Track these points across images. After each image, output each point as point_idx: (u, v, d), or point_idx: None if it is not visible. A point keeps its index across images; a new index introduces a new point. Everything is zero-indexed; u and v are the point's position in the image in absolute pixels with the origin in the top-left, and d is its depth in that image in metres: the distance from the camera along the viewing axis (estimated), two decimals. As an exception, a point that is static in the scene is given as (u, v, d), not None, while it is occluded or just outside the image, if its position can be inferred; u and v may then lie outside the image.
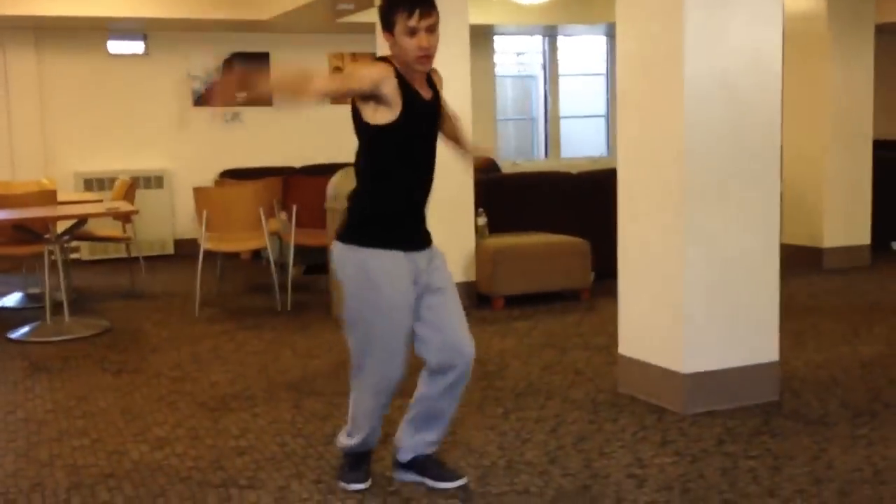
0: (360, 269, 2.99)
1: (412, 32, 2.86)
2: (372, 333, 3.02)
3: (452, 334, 3.07)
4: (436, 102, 3.06)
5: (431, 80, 3.08)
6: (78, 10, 8.41)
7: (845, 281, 7.00)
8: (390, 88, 2.89)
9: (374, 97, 2.90)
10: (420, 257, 3.04)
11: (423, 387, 3.14)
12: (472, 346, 3.09)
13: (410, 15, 2.85)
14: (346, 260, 3.02)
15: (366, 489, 3.20)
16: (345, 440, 3.25)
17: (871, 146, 7.72)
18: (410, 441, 3.21)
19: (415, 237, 3.06)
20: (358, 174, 3.05)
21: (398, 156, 2.98)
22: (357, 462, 3.25)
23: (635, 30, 4.12)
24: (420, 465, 3.22)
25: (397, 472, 3.27)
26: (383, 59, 2.98)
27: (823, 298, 6.38)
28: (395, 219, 3.01)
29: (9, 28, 8.98)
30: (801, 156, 7.63)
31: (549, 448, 3.56)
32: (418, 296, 3.03)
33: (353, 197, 3.07)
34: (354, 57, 10.44)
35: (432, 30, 2.90)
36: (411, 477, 3.23)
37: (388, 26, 2.91)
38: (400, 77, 2.93)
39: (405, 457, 3.23)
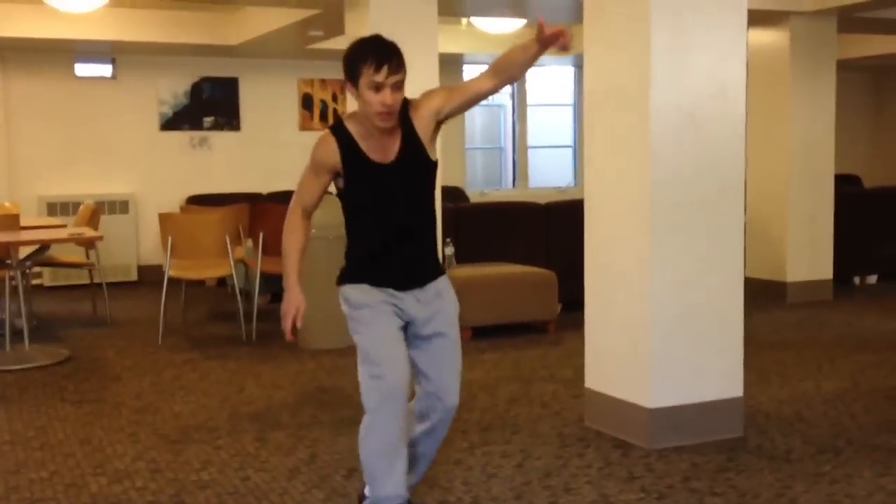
0: (344, 302, 3.02)
1: (377, 88, 2.77)
2: (366, 342, 2.95)
3: (438, 381, 3.02)
4: (405, 158, 2.93)
5: (408, 122, 2.93)
6: (45, 31, 8.34)
7: (808, 315, 7.07)
8: (331, 164, 2.93)
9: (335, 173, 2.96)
10: (404, 295, 2.99)
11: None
12: (455, 396, 3.04)
13: (378, 70, 2.76)
14: (340, 299, 3.05)
15: None
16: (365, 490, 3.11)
17: (833, 181, 7.84)
18: None
19: (396, 278, 2.99)
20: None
21: (361, 215, 2.99)
22: None
23: (602, 62, 4.17)
24: None
25: None
26: (335, 124, 2.96)
27: (787, 333, 6.44)
28: (372, 264, 3.00)
29: (-26, 49, 8.89)
30: (765, 190, 7.73)
31: (514, 483, 3.55)
32: (413, 333, 3.01)
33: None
34: (324, 83, 10.45)
35: (398, 87, 2.80)
36: None
37: (352, 77, 2.82)
38: (346, 145, 2.90)
39: None
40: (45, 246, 6.18)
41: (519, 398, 4.78)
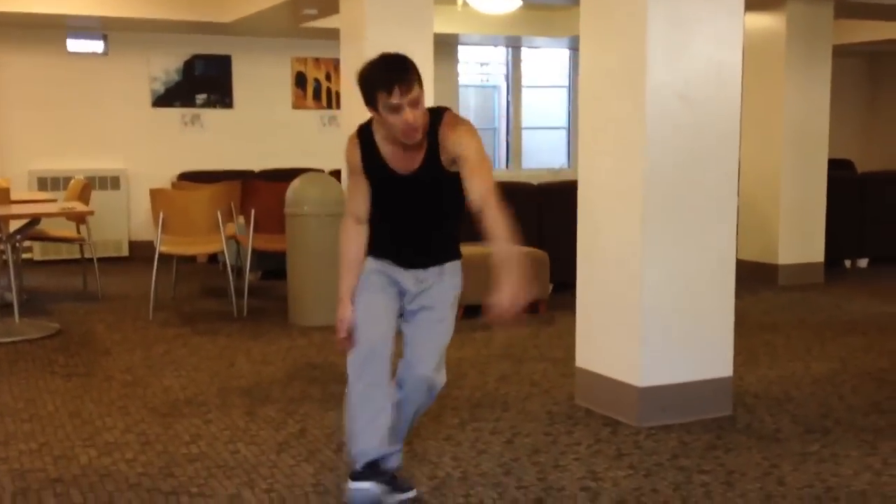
0: None
1: (395, 109, 2.79)
2: (356, 308, 3.04)
3: (413, 351, 3.06)
4: (423, 170, 2.94)
5: (434, 137, 2.92)
6: (37, 6, 8.27)
7: (799, 297, 7.09)
8: (357, 164, 3.00)
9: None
10: (405, 272, 3.06)
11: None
12: (426, 368, 3.05)
13: (390, 94, 2.77)
14: None
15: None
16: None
17: (827, 165, 7.85)
18: None
19: (399, 258, 3.05)
20: None
21: (378, 206, 3.05)
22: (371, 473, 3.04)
23: (599, 44, 4.15)
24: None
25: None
26: (363, 127, 3.01)
27: (777, 315, 6.46)
28: (381, 241, 3.08)
29: (-36, 22, 8.81)
30: (758, 173, 7.74)
31: (504, 460, 3.56)
32: (404, 307, 3.07)
33: None
34: (317, 62, 10.40)
35: (415, 103, 2.80)
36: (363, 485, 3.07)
37: (371, 103, 2.85)
38: (368, 150, 2.97)
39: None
40: (35, 220, 6.16)
41: (509, 376, 4.79)
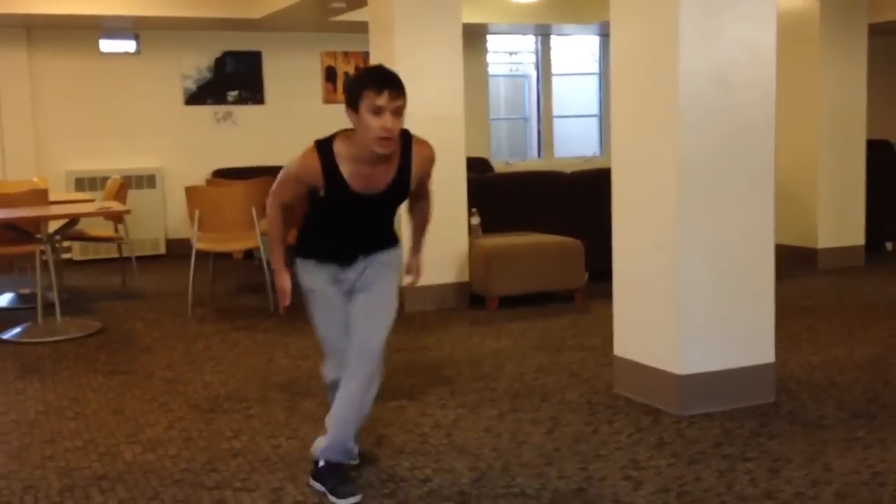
0: (299, 275, 3.22)
1: (377, 111, 2.85)
2: (319, 329, 3.24)
3: (354, 329, 3.15)
4: (390, 190, 3.05)
5: (407, 154, 3.05)
6: (70, 8, 8.36)
7: (840, 281, 7.00)
8: (311, 180, 3.01)
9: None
10: (349, 270, 3.17)
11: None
12: (365, 344, 3.11)
13: (379, 94, 2.84)
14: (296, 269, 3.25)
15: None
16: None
17: (865, 146, 7.73)
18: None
19: (341, 258, 3.16)
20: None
21: (328, 217, 3.13)
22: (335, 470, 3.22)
23: (630, 29, 4.11)
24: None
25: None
26: (323, 144, 3.00)
27: (818, 299, 6.38)
28: (323, 247, 3.17)
29: (1, 26, 8.92)
30: (795, 156, 7.64)
31: (545, 450, 3.54)
32: (349, 291, 3.19)
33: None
34: (347, 56, 10.42)
35: (398, 113, 2.88)
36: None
37: (353, 103, 2.89)
38: (329, 172, 2.97)
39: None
40: (74, 220, 6.23)
41: (547, 367, 4.78)
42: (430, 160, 3.14)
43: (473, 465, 3.40)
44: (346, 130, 3.01)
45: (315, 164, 2.98)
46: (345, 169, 2.97)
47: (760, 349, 4.06)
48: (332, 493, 3.12)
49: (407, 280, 3.38)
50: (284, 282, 3.20)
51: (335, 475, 3.18)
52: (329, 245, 3.17)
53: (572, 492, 3.14)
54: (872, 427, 3.71)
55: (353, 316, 3.15)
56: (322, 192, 3.03)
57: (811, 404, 4.03)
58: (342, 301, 3.18)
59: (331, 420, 3.23)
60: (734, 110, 3.92)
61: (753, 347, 4.05)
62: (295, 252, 3.22)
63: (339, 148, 2.98)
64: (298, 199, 3.12)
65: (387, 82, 2.87)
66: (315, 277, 3.17)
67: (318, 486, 3.21)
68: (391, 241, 3.25)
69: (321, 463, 3.23)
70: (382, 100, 2.84)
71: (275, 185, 3.15)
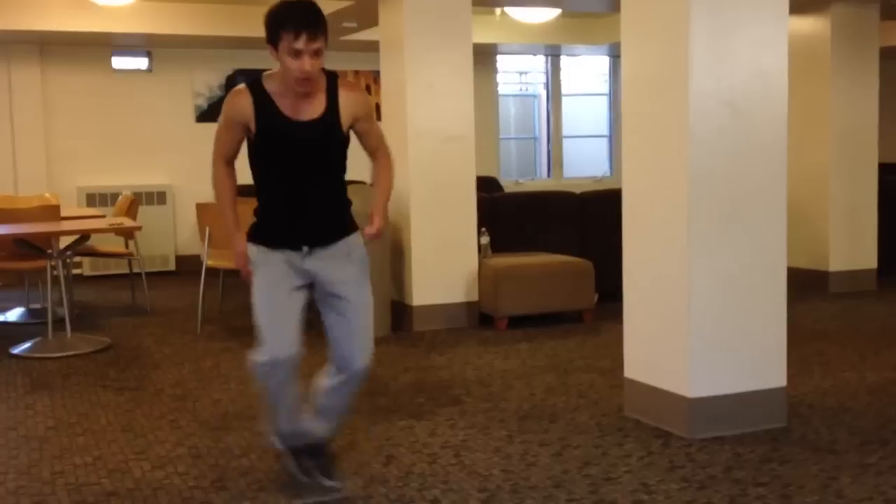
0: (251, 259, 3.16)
1: (296, 54, 2.86)
2: (257, 308, 3.14)
3: (344, 347, 3.18)
4: (322, 120, 3.02)
5: (334, 94, 3.04)
6: (82, 25, 8.43)
7: (851, 305, 6.97)
8: (243, 116, 3.01)
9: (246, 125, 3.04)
10: (306, 257, 3.10)
11: (323, 377, 3.29)
12: (362, 360, 3.17)
13: (297, 37, 2.83)
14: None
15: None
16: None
17: (877, 169, 7.72)
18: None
19: (297, 238, 3.10)
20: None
21: (268, 171, 3.10)
22: (297, 460, 3.29)
23: (640, 49, 4.12)
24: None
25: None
26: (252, 81, 3.03)
27: (829, 323, 6.35)
28: (275, 223, 3.12)
29: (13, 42, 9.00)
30: (807, 179, 7.63)
31: (553, 472, 3.53)
32: (320, 290, 3.16)
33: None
34: (357, 75, 10.46)
35: (318, 54, 2.88)
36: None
37: (272, 40, 2.91)
38: (261, 101, 2.99)
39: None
40: (85, 236, 6.25)
41: (556, 388, 4.76)
42: (359, 100, 3.12)
43: (482, 486, 3.39)
44: (271, 72, 3.04)
45: (245, 97, 3.00)
46: (278, 101, 3.00)
47: (772, 373, 4.04)
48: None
49: (367, 231, 3.16)
50: (241, 244, 3.13)
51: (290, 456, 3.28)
52: (276, 215, 3.09)
53: (582, 515, 3.12)
54: (885, 453, 3.68)
55: (342, 329, 3.15)
56: (255, 130, 3.01)
57: (823, 429, 4.01)
58: (293, 286, 3.09)
59: (307, 412, 3.25)
60: (745, 132, 3.92)
61: (764, 371, 4.03)
62: (248, 239, 3.15)
63: (268, 84, 3.02)
64: (237, 149, 3.12)
65: (304, 24, 2.84)
66: (266, 256, 3.10)
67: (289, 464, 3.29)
68: (346, 222, 3.17)
69: (282, 447, 3.31)
70: (300, 43, 2.84)
71: (214, 145, 3.15)
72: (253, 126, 3.01)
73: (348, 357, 3.17)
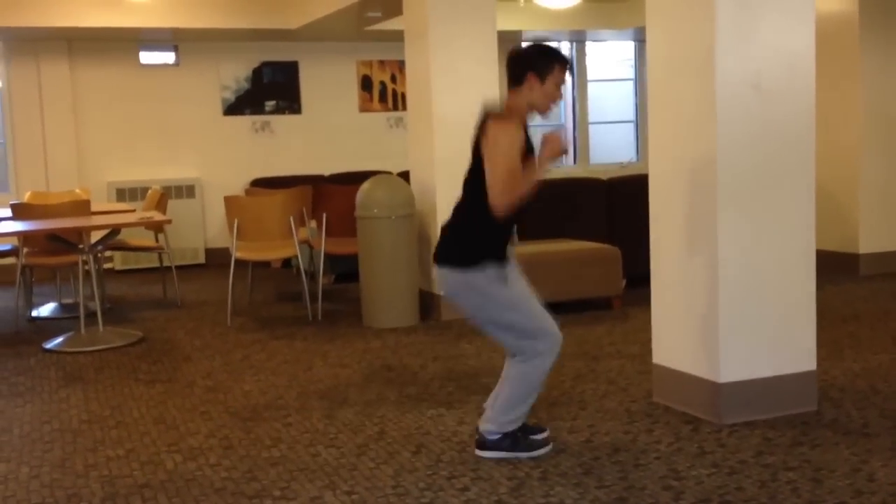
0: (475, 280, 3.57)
1: (559, 86, 3.43)
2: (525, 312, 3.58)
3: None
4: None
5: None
6: (110, 20, 8.50)
7: (882, 287, 6.89)
8: (522, 143, 3.40)
9: None
10: (505, 266, 3.56)
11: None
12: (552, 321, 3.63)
13: (564, 71, 3.43)
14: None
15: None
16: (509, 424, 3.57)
17: (908, 149, 7.61)
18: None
19: (504, 248, 3.57)
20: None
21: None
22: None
23: (666, 32, 4.09)
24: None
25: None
26: (511, 112, 3.43)
27: (860, 306, 6.29)
28: (498, 242, 3.54)
29: (43, 39, 9.09)
30: (836, 160, 7.54)
31: (583, 459, 3.53)
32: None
33: None
34: (383, 64, 10.47)
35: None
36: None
37: (542, 73, 3.39)
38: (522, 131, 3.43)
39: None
40: (115, 230, 6.31)
41: (585, 375, 4.76)
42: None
43: (512, 474, 3.40)
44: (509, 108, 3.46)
45: (521, 127, 3.42)
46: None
47: (802, 357, 4.01)
48: (530, 449, 3.55)
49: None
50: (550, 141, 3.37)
51: (515, 438, 3.55)
52: (501, 235, 3.47)
53: (612, 501, 3.12)
54: (918, 436, 3.65)
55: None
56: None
57: (854, 412, 3.97)
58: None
59: (526, 391, 3.55)
60: (773, 114, 3.88)
61: (794, 355, 4.00)
62: (468, 262, 3.44)
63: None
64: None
65: (568, 62, 3.47)
66: (502, 270, 3.49)
67: (499, 454, 3.54)
68: None
69: (497, 436, 3.55)
70: (566, 77, 3.45)
71: (505, 176, 3.28)
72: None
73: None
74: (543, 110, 3.44)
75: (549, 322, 3.51)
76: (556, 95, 3.42)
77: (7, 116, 9.31)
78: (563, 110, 11.89)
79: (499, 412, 3.55)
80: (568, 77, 3.50)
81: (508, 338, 3.52)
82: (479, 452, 3.58)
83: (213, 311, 6.93)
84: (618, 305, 6.41)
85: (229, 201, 6.59)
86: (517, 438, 3.56)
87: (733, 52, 3.79)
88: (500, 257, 3.47)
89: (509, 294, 3.48)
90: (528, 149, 3.40)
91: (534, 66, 3.38)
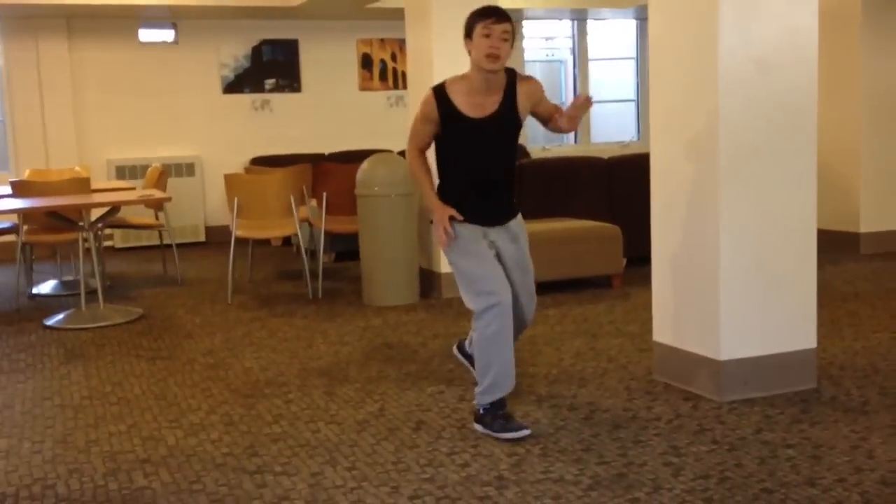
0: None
1: (487, 34, 3.44)
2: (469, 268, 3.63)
3: (515, 280, 3.73)
4: (498, 115, 3.55)
5: (512, 89, 3.57)
6: (109, -2, 8.46)
7: (883, 266, 6.89)
8: (433, 117, 3.58)
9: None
10: (490, 231, 3.65)
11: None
12: (531, 288, 3.80)
13: (487, 18, 3.46)
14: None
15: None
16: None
17: (910, 128, 7.59)
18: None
19: (482, 217, 3.63)
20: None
21: (452, 162, 3.67)
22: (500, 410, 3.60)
23: (668, 11, 4.06)
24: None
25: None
26: (437, 86, 3.58)
27: (860, 284, 6.29)
28: (461, 203, 3.62)
29: (41, 17, 9.05)
30: (837, 138, 7.53)
31: (583, 436, 3.54)
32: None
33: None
34: (383, 43, 10.42)
35: (505, 38, 3.45)
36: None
37: (468, 33, 3.50)
38: (443, 102, 3.55)
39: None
40: (115, 208, 6.31)
41: (585, 352, 4.77)
42: (535, 89, 3.64)
43: (512, 450, 3.41)
44: (458, 76, 3.59)
45: (431, 100, 3.56)
46: (457, 100, 3.54)
47: (802, 334, 4.02)
48: (503, 431, 3.50)
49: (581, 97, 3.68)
50: (444, 210, 3.57)
51: (493, 415, 3.56)
52: (461, 193, 3.59)
53: (612, 477, 3.13)
54: (917, 413, 3.66)
55: (511, 270, 3.65)
56: (440, 126, 3.56)
57: (854, 390, 3.98)
58: (487, 246, 3.62)
59: (483, 363, 3.58)
60: (775, 92, 3.87)
61: (795, 332, 4.00)
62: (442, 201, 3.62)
63: (450, 85, 3.57)
64: (430, 141, 3.65)
65: (494, 12, 3.48)
66: (462, 223, 3.58)
67: (480, 429, 3.59)
68: (514, 205, 3.74)
69: (481, 410, 3.60)
70: (490, 23, 3.44)
71: (409, 137, 3.70)
72: (439, 124, 3.57)
73: (527, 284, 3.75)
74: (485, 64, 3.45)
75: (492, 286, 3.50)
76: (484, 44, 3.44)
77: (6, 94, 9.28)
78: (564, 88, 11.85)
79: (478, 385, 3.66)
80: (495, 26, 3.44)
81: (460, 288, 3.63)
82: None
83: (213, 288, 6.93)
84: (618, 284, 6.41)
85: (230, 179, 6.58)
86: (495, 416, 3.57)
87: (736, 28, 3.77)
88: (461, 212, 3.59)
89: (465, 243, 3.59)
90: (457, 117, 3.53)
91: (464, 33, 3.53)
